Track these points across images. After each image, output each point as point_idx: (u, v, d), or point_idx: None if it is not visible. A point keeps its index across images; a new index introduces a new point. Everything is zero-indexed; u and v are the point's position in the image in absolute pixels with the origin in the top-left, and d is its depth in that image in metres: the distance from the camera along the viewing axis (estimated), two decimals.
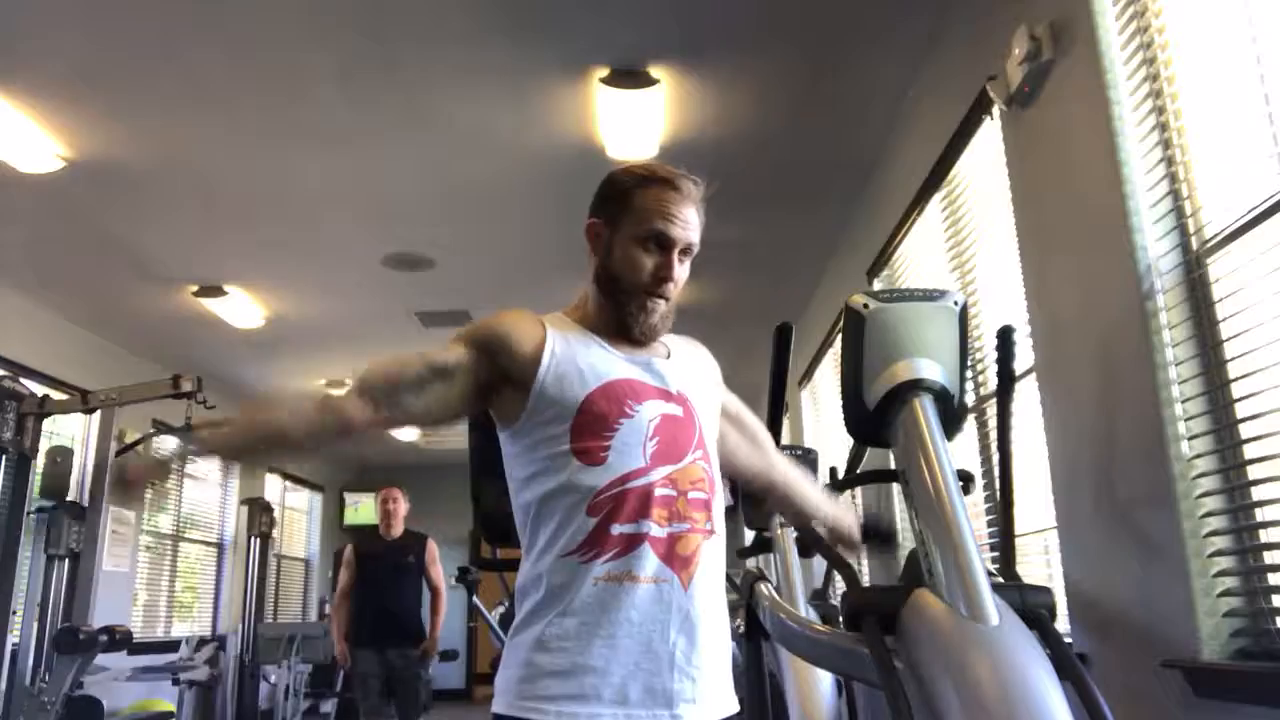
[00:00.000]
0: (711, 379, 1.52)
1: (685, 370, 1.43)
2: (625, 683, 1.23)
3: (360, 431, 1.30)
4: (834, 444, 4.68)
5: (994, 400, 2.29)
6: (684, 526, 1.30)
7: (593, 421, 1.30)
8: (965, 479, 1.94)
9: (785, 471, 1.68)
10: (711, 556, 1.34)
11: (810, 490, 1.72)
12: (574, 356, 1.35)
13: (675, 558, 1.28)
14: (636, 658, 1.24)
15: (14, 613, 4.19)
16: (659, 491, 1.29)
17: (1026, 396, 2.44)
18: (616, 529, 1.27)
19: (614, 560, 1.26)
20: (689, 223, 1.38)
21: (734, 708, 1.36)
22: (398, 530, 5.08)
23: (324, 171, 4.04)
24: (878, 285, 3.98)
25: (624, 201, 1.39)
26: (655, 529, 1.28)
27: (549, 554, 1.30)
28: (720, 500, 1.39)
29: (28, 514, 4.28)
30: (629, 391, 1.33)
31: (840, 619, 1.75)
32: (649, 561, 1.27)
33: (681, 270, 1.40)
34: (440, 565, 5.13)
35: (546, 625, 1.26)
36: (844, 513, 1.73)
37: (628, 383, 1.34)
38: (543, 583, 1.29)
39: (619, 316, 1.39)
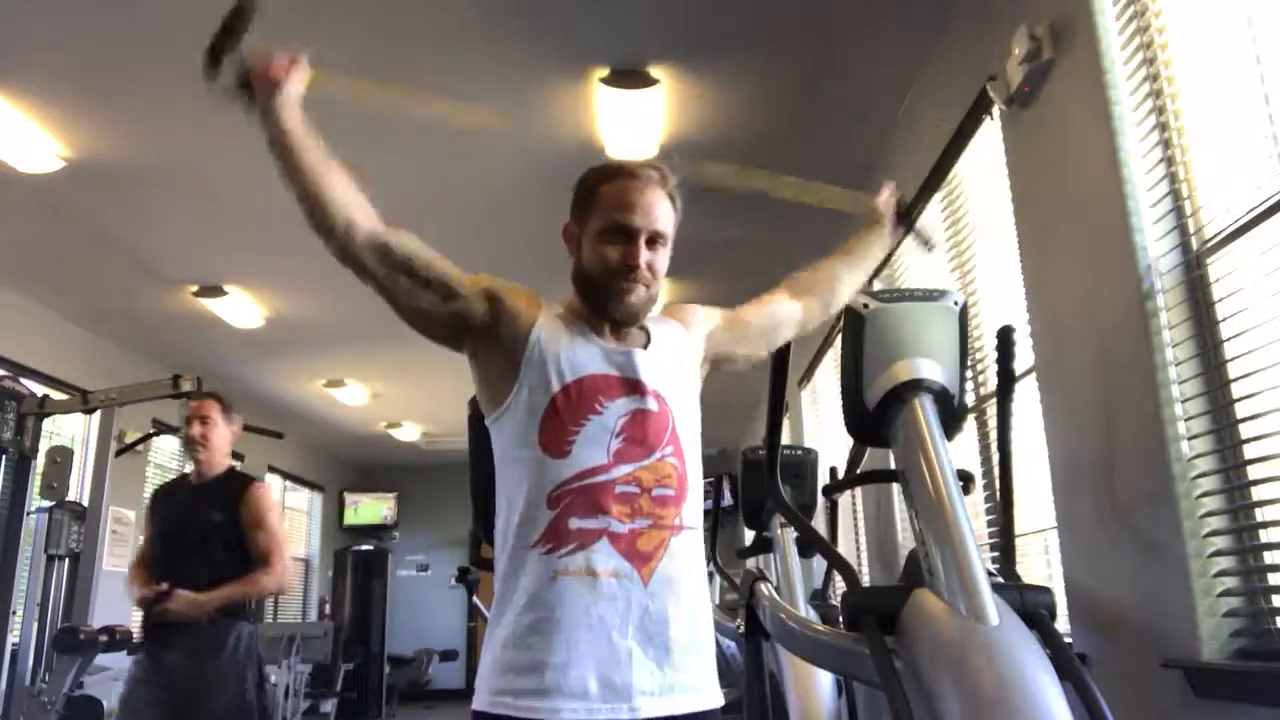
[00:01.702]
0: (691, 356, 1.52)
1: (663, 361, 1.43)
2: (585, 677, 1.25)
3: (348, 253, 1.36)
4: (834, 444, 4.68)
5: (994, 400, 2.29)
6: (646, 523, 1.31)
7: (562, 414, 1.33)
8: (965, 479, 1.93)
9: (805, 284, 1.74)
10: (680, 552, 1.34)
11: (836, 264, 1.79)
12: (556, 346, 1.37)
13: (636, 553, 1.30)
14: (596, 652, 1.26)
15: (14, 613, 4.19)
16: (619, 489, 1.31)
17: (1026, 396, 2.44)
18: (575, 523, 1.29)
19: (572, 554, 1.28)
20: (652, 210, 1.39)
21: (713, 701, 1.36)
22: (212, 468, 3.16)
23: None
24: (878, 285, 3.98)
25: (589, 200, 1.42)
26: (616, 524, 1.30)
27: (513, 545, 1.33)
28: (694, 495, 1.40)
29: (28, 514, 4.28)
30: (601, 387, 1.36)
31: (840, 619, 1.75)
32: (608, 556, 1.29)
33: (656, 258, 1.41)
34: (275, 523, 3.12)
35: (512, 623, 1.29)
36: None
37: (602, 378, 1.37)
38: (508, 577, 1.32)
39: (597, 308, 1.42)
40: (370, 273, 1.36)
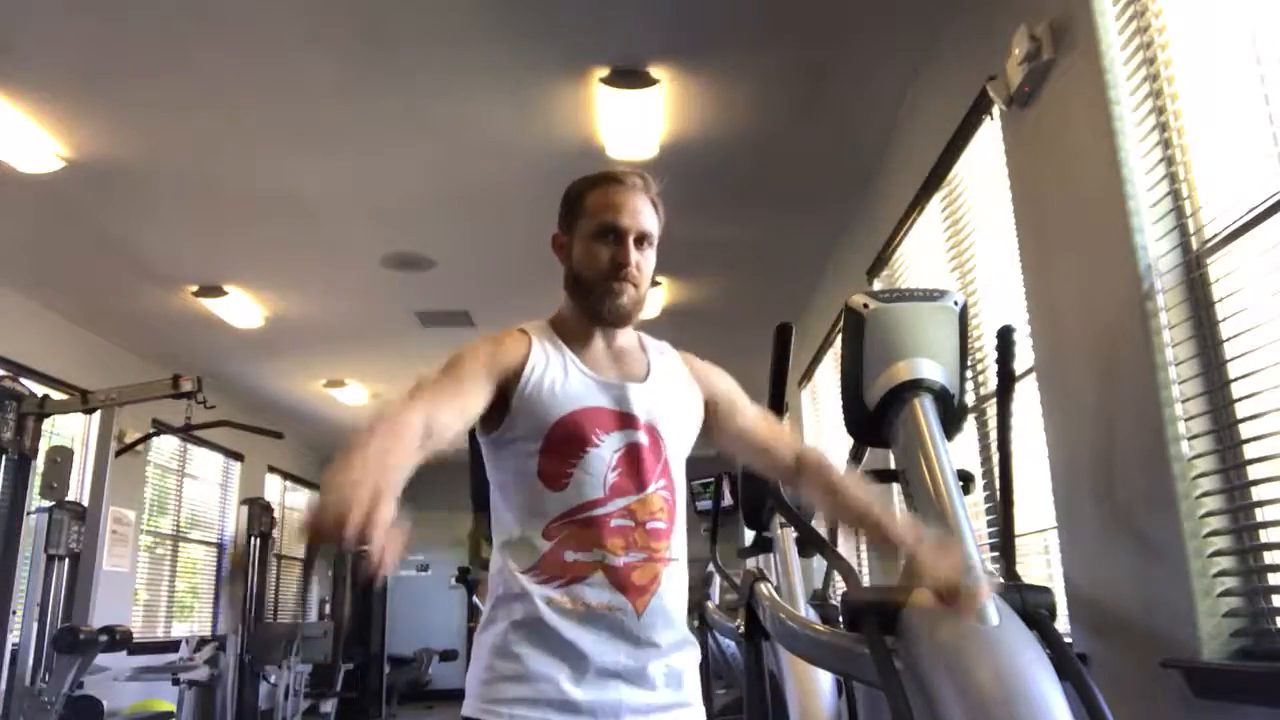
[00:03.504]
0: (691, 395, 1.49)
1: (660, 395, 1.43)
2: (573, 691, 1.26)
3: (431, 450, 1.24)
4: (834, 444, 4.68)
5: (994, 400, 2.29)
6: (641, 556, 1.32)
7: (560, 446, 1.33)
8: (965, 479, 1.93)
9: (808, 459, 1.52)
10: (670, 582, 1.36)
11: (850, 484, 1.48)
12: (553, 376, 1.37)
13: (631, 586, 1.31)
14: (586, 674, 1.27)
15: (14, 613, 4.19)
16: (615, 523, 1.32)
17: (1026, 396, 2.44)
18: (571, 556, 1.30)
19: (566, 586, 1.29)
20: (639, 212, 1.41)
21: (698, 718, 1.38)
22: None
23: (324, 171, 4.04)
24: (878, 285, 3.98)
25: (577, 207, 1.45)
26: (611, 558, 1.30)
27: (508, 565, 1.33)
28: (681, 527, 1.41)
29: (28, 514, 4.28)
30: (598, 420, 1.36)
31: (840, 619, 1.75)
32: (603, 590, 1.29)
33: (643, 259, 1.42)
34: None
35: (505, 632, 1.30)
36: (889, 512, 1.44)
37: (597, 411, 1.37)
38: (502, 592, 1.33)
39: (589, 309, 1.42)
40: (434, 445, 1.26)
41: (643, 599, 1.31)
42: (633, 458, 1.36)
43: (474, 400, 1.32)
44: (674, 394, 1.46)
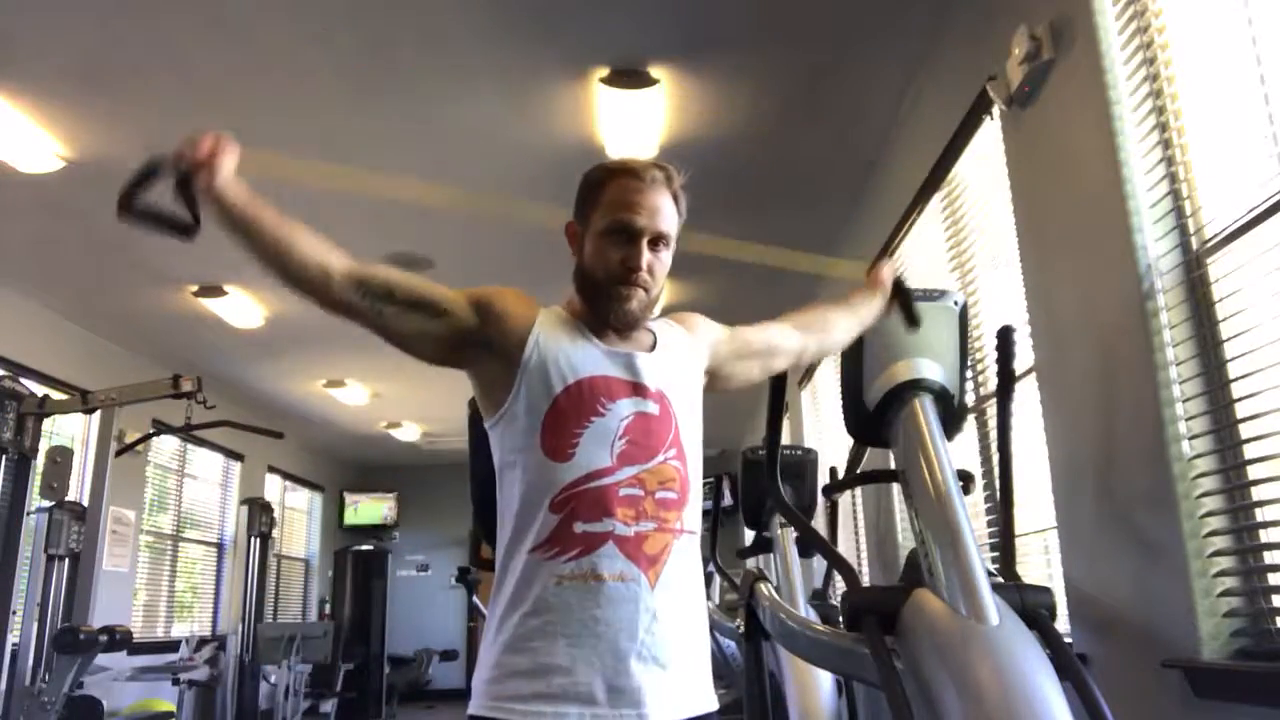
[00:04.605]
0: (695, 361, 1.51)
1: (668, 365, 1.42)
2: (592, 681, 1.23)
3: (331, 299, 1.37)
4: (834, 444, 4.68)
5: (994, 400, 2.30)
6: (651, 525, 1.30)
7: (564, 417, 1.32)
8: (965, 479, 1.93)
9: (806, 321, 1.71)
10: (683, 555, 1.34)
11: (837, 311, 1.75)
12: (557, 346, 1.36)
13: (642, 556, 1.29)
14: (603, 656, 1.24)
15: (14, 613, 4.19)
16: (623, 491, 1.30)
17: (1026, 396, 2.44)
18: (580, 527, 1.28)
19: (577, 559, 1.27)
20: (657, 211, 1.37)
21: (709, 705, 1.36)
22: None
23: None
24: None
25: (593, 198, 1.40)
26: (621, 527, 1.28)
27: (516, 550, 1.31)
28: (695, 499, 1.39)
29: (28, 514, 4.28)
30: (604, 389, 1.34)
31: (840, 619, 1.75)
32: (614, 560, 1.27)
33: (657, 260, 1.40)
34: None
35: (515, 625, 1.27)
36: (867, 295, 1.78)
37: (604, 380, 1.35)
38: (511, 581, 1.30)
39: (596, 310, 1.40)
40: (356, 310, 1.35)
41: (654, 569, 1.29)
42: (642, 427, 1.34)
43: (438, 326, 1.36)
44: (679, 363, 1.45)
